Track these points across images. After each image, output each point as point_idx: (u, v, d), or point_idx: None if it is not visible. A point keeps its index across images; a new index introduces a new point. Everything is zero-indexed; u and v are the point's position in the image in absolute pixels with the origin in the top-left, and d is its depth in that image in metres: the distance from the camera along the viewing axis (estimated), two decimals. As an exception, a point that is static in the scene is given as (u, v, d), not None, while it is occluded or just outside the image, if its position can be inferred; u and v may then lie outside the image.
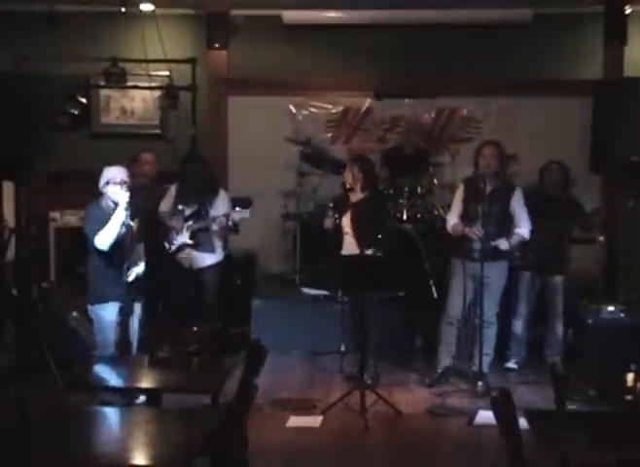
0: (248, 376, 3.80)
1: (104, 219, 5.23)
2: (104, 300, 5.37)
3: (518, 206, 6.07)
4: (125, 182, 5.32)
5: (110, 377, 4.69)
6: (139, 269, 5.44)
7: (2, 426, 3.38)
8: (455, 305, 6.04)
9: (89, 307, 5.46)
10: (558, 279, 6.61)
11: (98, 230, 5.23)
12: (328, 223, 6.48)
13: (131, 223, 5.34)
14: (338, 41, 8.43)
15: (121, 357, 5.26)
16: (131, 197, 5.26)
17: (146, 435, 3.43)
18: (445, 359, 6.22)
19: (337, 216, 6.44)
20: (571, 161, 7.30)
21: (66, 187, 8.04)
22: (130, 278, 5.37)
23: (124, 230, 5.26)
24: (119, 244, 5.27)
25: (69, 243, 7.92)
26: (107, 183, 5.32)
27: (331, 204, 6.94)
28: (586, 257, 7.99)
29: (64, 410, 3.93)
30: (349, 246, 6.35)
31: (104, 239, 5.22)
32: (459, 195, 6.24)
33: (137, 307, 5.50)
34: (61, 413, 3.72)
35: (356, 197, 6.48)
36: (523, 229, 6.05)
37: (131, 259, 5.38)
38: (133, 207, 5.33)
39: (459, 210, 6.18)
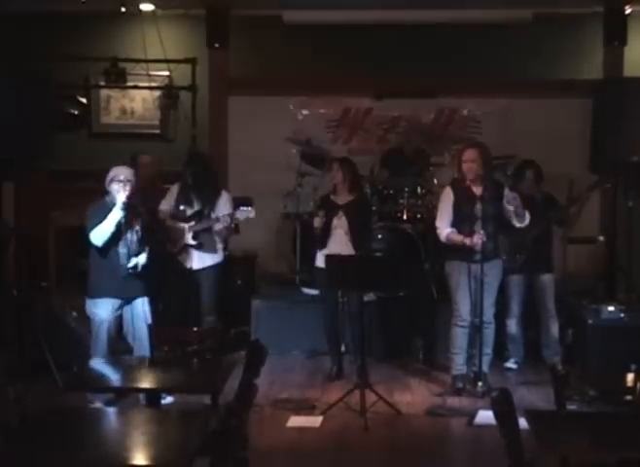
0: (248, 376, 3.81)
1: (105, 215, 5.30)
2: (99, 294, 5.44)
3: (512, 202, 5.93)
4: (129, 181, 5.37)
5: (109, 376, 4.69)
6: (141, 258, 5.48)
7: (2, 426, 3.37)
8: (466, 308, 5.96)
9: (87, 302, 5.52)
10: (546, 278, 6.58)
11: (96, 225, 5.30)
12: (318, 222, 6.46)
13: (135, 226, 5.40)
14: (339, 41, 8.42)
15: (120, 357, 5.26)
16: (130, 197, 5.30)
17: (146, 435, 3.43)
18: (462, 366, 6.06)
19: (323, 215, 6.44)
20: (571, 161, 7.31)
21: (66, 187, 8.05)
22: (130, 265, 5.40)
23: (118, 228, 5.31)
24: (116, 241, 5.34)
25: (69, 243, 7.92)
26: (111, 180, 5.40)
27: (317, 204, 6.94)
28: (587, 257, 8.00)
29: (64, 410, 3.92)
30: (339, 246, 6.34)
31: (98, 236, 5.32)
32: (447, 198, 6.04)
33: (141, 304, 5.51)
34: (61, 413, 3.72)
35: (345, 198, 6.47)
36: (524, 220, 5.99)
37: (133, 249, 5.43)
38: (132, 208, 5.36)
39: (449, 216, 5.99)
